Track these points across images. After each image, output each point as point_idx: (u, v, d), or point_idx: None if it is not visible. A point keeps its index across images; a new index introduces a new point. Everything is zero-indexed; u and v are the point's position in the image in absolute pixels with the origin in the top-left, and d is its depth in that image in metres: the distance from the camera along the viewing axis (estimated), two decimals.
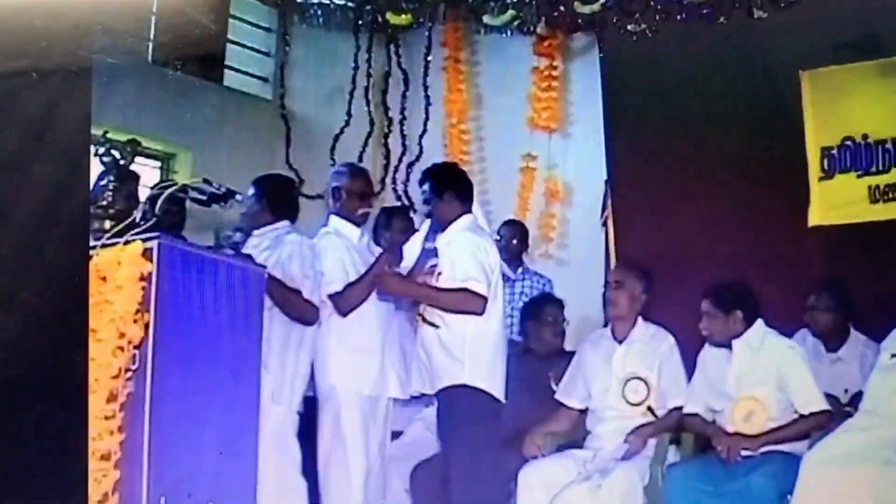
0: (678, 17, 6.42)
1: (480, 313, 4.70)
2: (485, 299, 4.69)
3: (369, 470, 4.85)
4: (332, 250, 4.96)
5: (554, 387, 5.41)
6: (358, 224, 5.12)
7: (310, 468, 4.89)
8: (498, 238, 6.38)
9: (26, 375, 3.16)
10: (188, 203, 4.85)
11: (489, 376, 4.73)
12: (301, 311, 4.78)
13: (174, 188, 4.29)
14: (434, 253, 4.95)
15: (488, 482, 4.69)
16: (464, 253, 4.76)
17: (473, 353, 4.70)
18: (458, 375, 4.70)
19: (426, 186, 4.98)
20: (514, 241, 6.58)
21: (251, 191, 5.01)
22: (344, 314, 4.90)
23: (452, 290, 4.71)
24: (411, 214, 5.99)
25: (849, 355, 5.33)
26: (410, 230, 5.78)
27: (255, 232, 4.96)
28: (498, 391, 4.75)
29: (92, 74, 3.30)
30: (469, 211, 4.95)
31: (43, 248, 3.21)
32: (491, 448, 4.73)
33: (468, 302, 4.68)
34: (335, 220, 5.09)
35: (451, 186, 4.95)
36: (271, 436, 4.63)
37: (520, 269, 6.52)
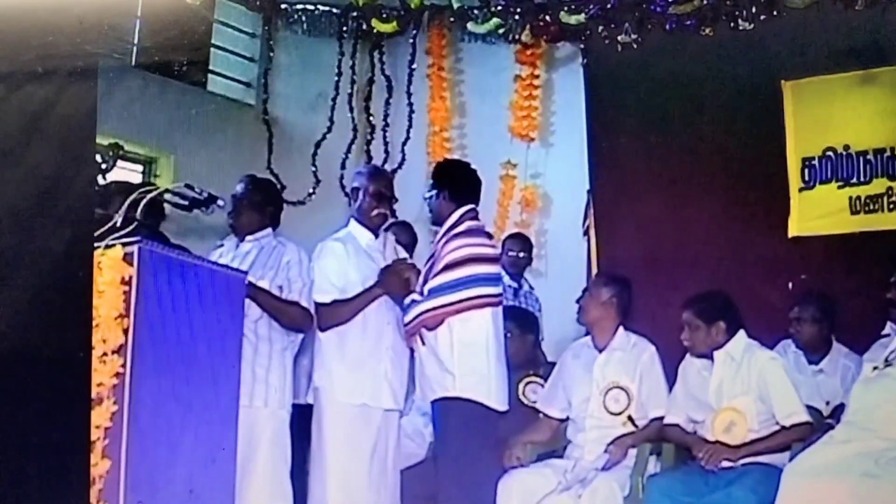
0: (663, 28, 6.43)
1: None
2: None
3: (365, 482, 4.70)
4: (328, 257, 4.81)
5: (524, 399, 5.41)
6: (372, 228, 4.90)
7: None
8: (505, 252, 6.42)
9: (27, 371, 3.13)
10: (168, 208, 4.83)
11: (481, 386, 4.64)
12: (293, 320, 4.76)
13: (156, 192, 4.27)
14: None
15: (478, 494, 4.64)
16: None
17: (463, 363, 4.62)
18: (448, 387, 4.63)
19: (432, 182, 4.93)
20: (522, 255, 6.55)
21: (244, 191, 4.95)
22: (322, 329, 4.76)
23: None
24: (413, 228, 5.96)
25: (830, 367, 5.34)
26: (413, 244, 5.76)
27: (248, 238, 4.93)
28: (493, 400, 4.66)
29: (98, 69, 3.29)
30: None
31: (47, 242, 3.19)
32: (482, 460, 4.68)
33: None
34: (351, 223, 4.94)
35: (455, 185, 4.88)
36: (271, 439, 4.63)
37: (525, 287, 6.50)
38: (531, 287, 6.59)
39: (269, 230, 4.97)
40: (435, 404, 4.72)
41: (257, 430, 4.57)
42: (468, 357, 4.64)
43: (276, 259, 4.80)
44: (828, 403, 5.10)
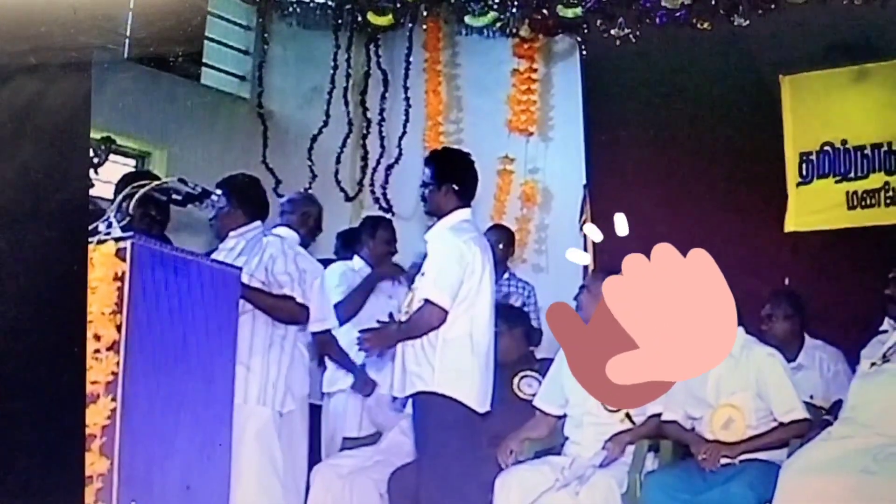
0: (660, 23, 6.42)
1: (438, 326, 4.56)
2: (444, 312, 4.54)
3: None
4: None
5: (519, 393, 5.38)
6: None
7: None
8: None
9: (22, 367, 3.10)
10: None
11: (462, 384, 4.57)
12: (290, 314, 4.77)
13: (149, 187, 4.23)
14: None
15: (458, 494, 4.58)
16: (435, 260, 4.65)
17: (445, 358, 4.56)
18: (427, 382, 4.57)
19: (428, 171, 4.82)
20: (501, 246, 6.52)
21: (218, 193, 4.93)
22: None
23: (414, 315, 4.60)
24: (392, 221, 6.00)
25: (808, 361, 5.35)
26: (394, 240, 5.79)
27: (231, 234, 4.90)
28: (473, 400, 4.60)
29: (91, 61, 3.26)
30: (466, 205, 4.79)
31: (40, 236, 3.16)
32: (461, 459, 4.61)
33: (427, 317, 4.56)
34: None
35: (453, 178, 4.76)
36: (254, 437, 4.61)
37: (506, 275, 6.48)
38: (513, 274, 6.56)
39: (257, 223, 4.93)
40: (415, 399, 4.66)
41: (239, 428, 4.52)
42: (450, 352, 4.57)
43: (259, 253, 4.78)
44: (811, 397, 5.06)
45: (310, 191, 7.72)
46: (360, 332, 4.78)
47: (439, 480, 4.56)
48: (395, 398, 5.06)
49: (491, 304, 4.75)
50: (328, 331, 5.23)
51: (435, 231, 4.76)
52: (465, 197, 4.80)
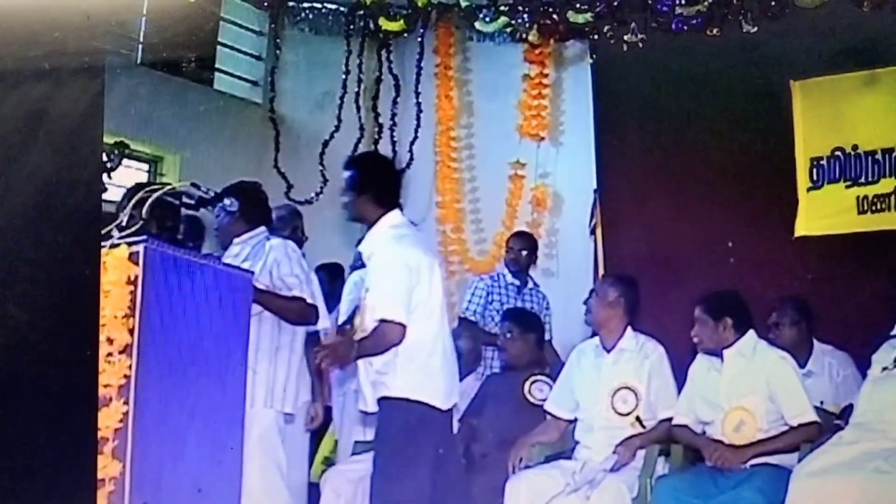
0: (671, 28, 6.42)
1: (399, 342, 4.34)
2: (402, 327, 4.32)
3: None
4: None
5: (529, 397, 5.39)
6: None
7: None
8: (508, 249, 6.46)
9: (34, 370, 3.12)
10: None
11: (427, 385, 4.40)
12: (301, 315, 4.79)
13: (162, 191, 4.25)
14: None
15: (418, 493, 4.39)
16: (380, 275, 4.42)
17: (406, 362, 4.37)
18: (391, 387, 4.39)
19: (346, 178, 4.54)
20: (524, 253, 6.54)
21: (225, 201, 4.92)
22: None
23: (372, 334, 4.34)
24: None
25: (817, 367, 5.35)
26: None
27: (236, 240, 4.92)
28: (438, 400, 4.42)
29: (105, 66, 3.27)
30: (392, 208, 4.48)
31: (54, 240, 3.17)
32: (419, 460, 4.42)
33: (388, 336, 4.32)
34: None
35: (371, 187, 4.48)
36: (258, 439, 4.62)
37: (529, 285, 6.49)
38: (536, 284, 6.58)
39: (261, 229, 4.94)
40: (380, 402, 4.46)
41: (245, 431, 4.51)
42: (413, 357, 4.38)
43: (262, 257, 4.79)
44: (822, 403, 5.05)
45: (321, 195, 7.77)
46: (316, 349, 4.50)
47: (395, 481, 4.39)
48: (365, 413, 4.91)
49: (442, 299, 4.53)
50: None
51: (369, 242, 4.50)
52: (387, 203, 4.50)
